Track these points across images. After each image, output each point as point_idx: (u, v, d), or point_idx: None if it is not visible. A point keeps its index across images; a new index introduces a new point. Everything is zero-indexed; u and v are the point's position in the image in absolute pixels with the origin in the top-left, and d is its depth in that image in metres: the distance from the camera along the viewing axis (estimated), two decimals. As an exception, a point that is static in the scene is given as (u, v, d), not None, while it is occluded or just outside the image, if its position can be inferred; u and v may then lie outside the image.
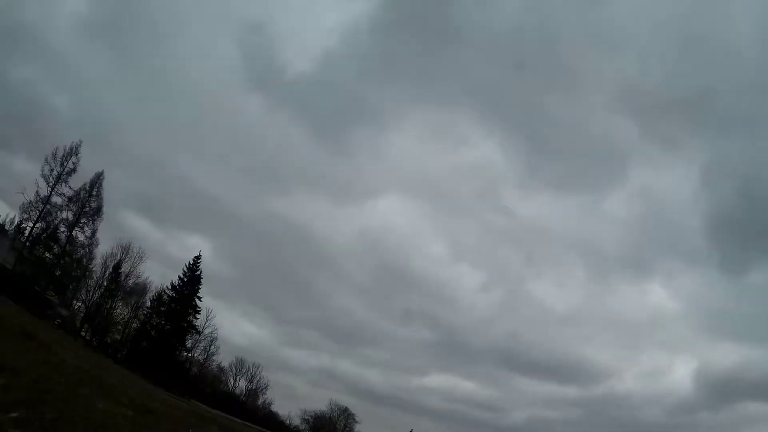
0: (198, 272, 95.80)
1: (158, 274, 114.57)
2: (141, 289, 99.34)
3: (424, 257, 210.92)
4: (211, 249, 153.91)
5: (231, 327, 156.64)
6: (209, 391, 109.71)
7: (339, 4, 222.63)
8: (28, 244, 76.67)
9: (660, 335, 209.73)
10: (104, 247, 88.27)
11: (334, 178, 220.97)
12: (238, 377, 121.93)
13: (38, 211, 73.80)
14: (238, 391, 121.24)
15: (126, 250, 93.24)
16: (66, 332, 67.43)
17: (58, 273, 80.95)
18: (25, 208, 73.96)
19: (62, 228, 78.10)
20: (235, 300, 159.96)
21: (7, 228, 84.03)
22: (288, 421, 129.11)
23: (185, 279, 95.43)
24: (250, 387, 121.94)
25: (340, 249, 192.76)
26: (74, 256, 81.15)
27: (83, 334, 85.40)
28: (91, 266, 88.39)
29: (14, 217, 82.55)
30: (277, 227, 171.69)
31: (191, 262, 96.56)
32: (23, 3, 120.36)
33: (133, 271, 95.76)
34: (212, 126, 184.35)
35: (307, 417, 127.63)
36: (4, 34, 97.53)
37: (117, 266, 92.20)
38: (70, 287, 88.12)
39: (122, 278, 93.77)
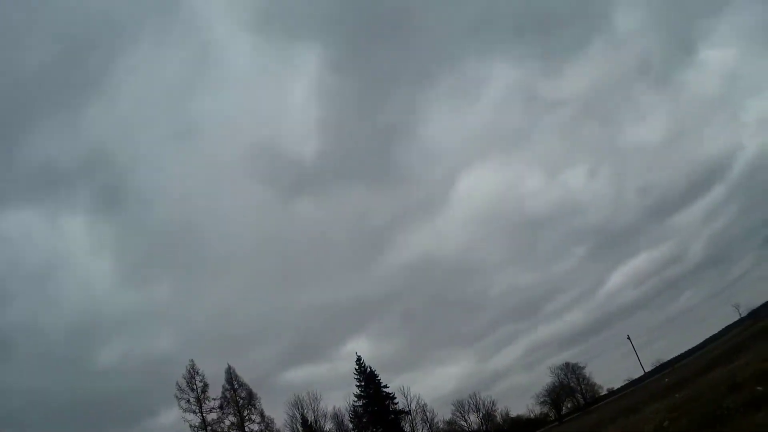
0: (368, 369, 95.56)
1: (339, 398, 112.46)
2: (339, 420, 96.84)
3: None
4: (367, 341, 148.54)
5: (434, 383, 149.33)
6: None
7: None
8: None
9: None
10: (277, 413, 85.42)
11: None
12: (468, 416, 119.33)
13: None
14: (476, 426, 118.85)
15: (298, 403, 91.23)
16: None
17: None
18: None
19: None
20: (420, 359, 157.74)
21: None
22: (532, 414, 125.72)
23: (362, 382, 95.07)
24: (482, 414, 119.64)
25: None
26: None
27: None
28: None
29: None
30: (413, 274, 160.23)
31: (356, 367, 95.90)
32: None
33: (319, 414, 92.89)
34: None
35: (541, 399, 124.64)
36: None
37: (304, 422, 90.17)
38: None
39: (317, 424, 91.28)
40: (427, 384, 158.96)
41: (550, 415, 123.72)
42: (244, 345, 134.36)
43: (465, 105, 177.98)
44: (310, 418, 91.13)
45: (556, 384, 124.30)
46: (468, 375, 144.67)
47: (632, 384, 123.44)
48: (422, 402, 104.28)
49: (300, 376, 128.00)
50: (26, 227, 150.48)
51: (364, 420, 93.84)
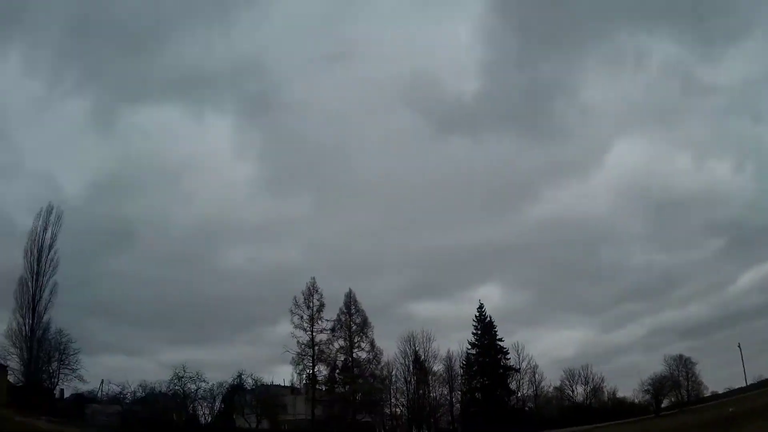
0: (487, 319, 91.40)
1: (454, 342, 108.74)
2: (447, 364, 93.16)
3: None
4: (492, 289, 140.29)
5: (549, 345, 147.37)
6: (556, 414, 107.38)
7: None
8: (323, 388, 77.97)
9: None
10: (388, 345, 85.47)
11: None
12: (575, 386, 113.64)
13: (310, 357, 74.08)
14: (581, 399, 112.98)
15: (411, 339, 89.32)
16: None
17: (358, 397, 78.17)
18: (298, 360, 74.20)
19: (342, 357, 77.47)
20: (541, 319, 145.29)
21: (298, 386, 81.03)
22: (636, 399, 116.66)
23: (479, 331, 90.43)
24: (590, 388, 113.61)
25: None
26: (367, 375, 78.35)
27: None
28: (387, 374, 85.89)
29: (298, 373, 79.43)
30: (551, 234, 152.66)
31: (476, 314, 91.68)
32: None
33: (429, 354, 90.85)
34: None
35: (646, 387, 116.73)
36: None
37: (416, 359, 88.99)
38: (381, 402, 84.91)
39: (426, 364, 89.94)
40: (542, 345, 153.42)
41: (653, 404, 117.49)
42: (370, 271, 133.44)
43: (623, 74, 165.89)
44: (422, 356, 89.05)
45: (665, 374, 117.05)
46: (585, 344, 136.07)
47: (733, 393, 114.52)
48: (533, 363, 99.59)
49: (420, 310, 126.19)
50: (169, 124, 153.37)
51: (474, 369, 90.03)
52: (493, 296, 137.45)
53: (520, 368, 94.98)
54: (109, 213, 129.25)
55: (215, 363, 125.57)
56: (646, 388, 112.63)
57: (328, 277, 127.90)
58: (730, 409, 57.73)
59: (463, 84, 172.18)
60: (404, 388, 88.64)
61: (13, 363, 67.00)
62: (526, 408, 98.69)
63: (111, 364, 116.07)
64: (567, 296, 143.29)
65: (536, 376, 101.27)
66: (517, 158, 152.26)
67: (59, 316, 70.55)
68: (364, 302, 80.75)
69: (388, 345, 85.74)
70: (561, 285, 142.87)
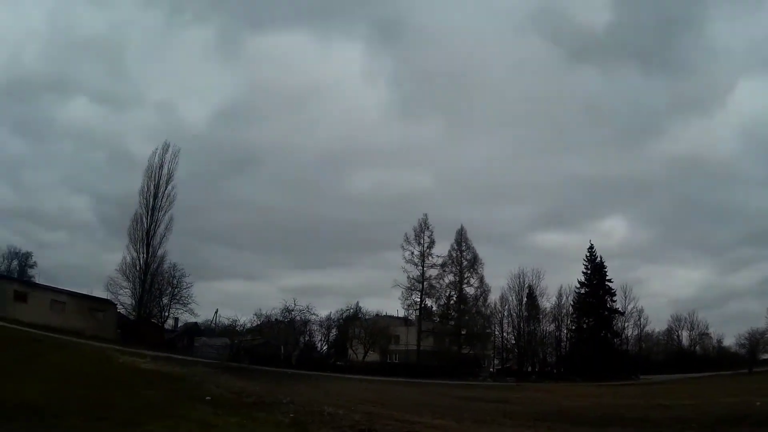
0: (597, 259, 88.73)
1: (568, 278, 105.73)
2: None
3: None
4: (621, 222, 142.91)
5: (664, 285, 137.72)
6: (661, 358, 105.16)
7: None
8: (435, 320, 76.96)
9: None
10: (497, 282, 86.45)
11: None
12: (680, 332, 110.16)
13: (418, 291, 73.18)
14: (686, 344, 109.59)
15: (522, 276, 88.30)
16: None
17: (463, 333, 75.98)
18: (407, 294, 73.93)
19: (449, 292, 76.12)
20: (659, 256, 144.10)
21: (410, 318, 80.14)
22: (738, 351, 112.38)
23: (589, 271, 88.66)
24: (695, 335, 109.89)
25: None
26: (474, 311, 76.36)
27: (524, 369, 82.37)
28: (495, 309, 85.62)
29: (405, 308, 79.48)
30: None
31: (587, 254, 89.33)
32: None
33: (538, 291, 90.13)
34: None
35: (742, 341, 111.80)
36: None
37: (530, 293, 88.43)
38: (487, 337, 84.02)
39: (537, 300, 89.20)
40: (657, 284, 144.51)
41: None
42: (496, 198, 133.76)
43: (750, 14, 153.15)
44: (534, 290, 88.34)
45: (764, 329, 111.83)
46: (699, 285, 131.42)
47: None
48: (639, 306, 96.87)
49: (541, 241, 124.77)
50: (296, 50, 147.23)
51: (581, 308, 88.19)
52: (614, 231, 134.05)
53: (625, 311, 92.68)
54: (232, 141, 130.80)
55: (336, 287, 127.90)
56: (742, 342, 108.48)
57: (455, 204, 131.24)
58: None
59: (595, 15, 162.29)
60: (514, 322, 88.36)
61: (125, 298, 68.64)
62: (630, 350, 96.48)
63: (230, 290, 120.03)
64: (686, 235, 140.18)
65: (642, 320, 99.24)
66: (644, 93, 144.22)
67: (175, 248, 71.65)
68: (487, 231, 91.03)
69: (498, 282, 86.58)
70: (681, 223, 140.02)
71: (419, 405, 21.75)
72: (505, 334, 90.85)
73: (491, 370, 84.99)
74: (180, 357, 41.69)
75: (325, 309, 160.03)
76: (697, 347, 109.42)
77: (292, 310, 67.24)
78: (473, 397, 30.24)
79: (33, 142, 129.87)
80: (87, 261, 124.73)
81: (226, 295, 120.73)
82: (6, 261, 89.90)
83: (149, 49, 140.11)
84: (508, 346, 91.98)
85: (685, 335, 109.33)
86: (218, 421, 11.00)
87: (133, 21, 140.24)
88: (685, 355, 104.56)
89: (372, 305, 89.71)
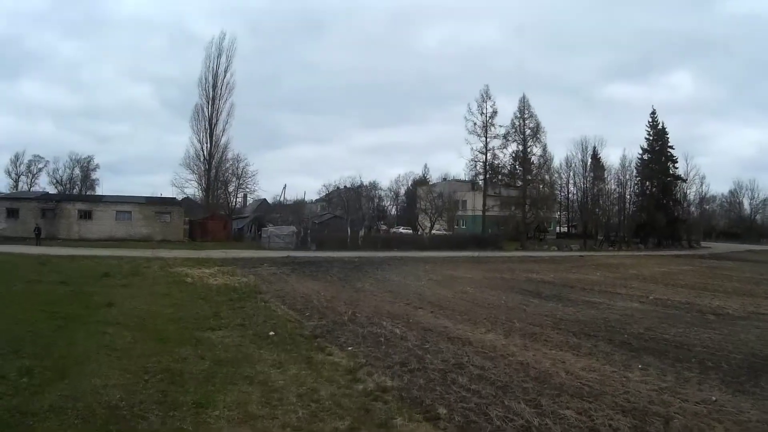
0: (659, 124, 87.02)
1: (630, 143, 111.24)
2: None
3: None
4: (689, 77, 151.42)
5: (726, 145, 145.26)
6: (722, 225, 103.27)
7: None
8: (500, 184, 77.04)
9: None
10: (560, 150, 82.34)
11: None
12: (742, 199, 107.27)
13: (482, 162, 74.77)
14: (746, 212, 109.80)
15: (584, 143, 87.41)
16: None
17: (528, 199, 75.99)
18: (471, 166, 76.43)
19: (510, 163, 76.51)
20: (726, 113, 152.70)
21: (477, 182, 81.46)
22: None
23: (652, 137, 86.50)
24: (756, 203, 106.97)
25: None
26: (538, 178, 76.86)
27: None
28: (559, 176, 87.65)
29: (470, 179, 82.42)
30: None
31: (649, 120, 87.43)
32: None
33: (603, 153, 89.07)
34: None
35: None
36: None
37: (595, 155, 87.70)
38: (554, 203, 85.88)
39: (602, 161, 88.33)
40: (719, 143, 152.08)
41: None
42: (567, 50, 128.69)
43: None
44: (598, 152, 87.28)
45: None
46: (762, 147, 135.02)
47: None
48: (701, 173, 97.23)
49: (611, 93, 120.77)
50: None
51: (642, 173, 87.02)
52: (680, 86, 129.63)
53: (686, 178, 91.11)
54: (298, 6, 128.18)
55: (406, 145, 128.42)
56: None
57: (522, 56, 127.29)
58: None
59: None
60: (579, 183, 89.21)
61: (192, 190, 69.96)
62: (691, 216, 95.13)
63: (302, 155, 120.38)
64: (756, 94, 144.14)
65: (703, 187, 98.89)
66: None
67: (243, 128, 71.69)
68: (554, 83, 73.82)
69: (559, 151, 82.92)
70: (750, 81, 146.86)
71: (476, 305, 21.11)
72: (570, 196, 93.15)
73: (556, 232, 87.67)
74: (247, 255, 41.37)
75: (395, 168, 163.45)
76: (758, 216, 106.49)
77: (359, 187, 66.96)
78: (534, 286, 28.40)
79: (88, 40, 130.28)
80: (152, 149, 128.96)
81: (297, 161, 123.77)
82: (68, 169, 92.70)
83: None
84: (573, 207, 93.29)
85: (746, 203, 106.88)
86: (280, 378, 10.41)
87: None
88: (744, 223, 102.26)
89: (440, 163, 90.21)
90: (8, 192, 74.14)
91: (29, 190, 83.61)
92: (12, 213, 54.84)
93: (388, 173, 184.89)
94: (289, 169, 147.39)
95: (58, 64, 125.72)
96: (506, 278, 32.25)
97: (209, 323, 15.39)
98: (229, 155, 68.47)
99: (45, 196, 61.31)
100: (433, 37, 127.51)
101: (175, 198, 64.34)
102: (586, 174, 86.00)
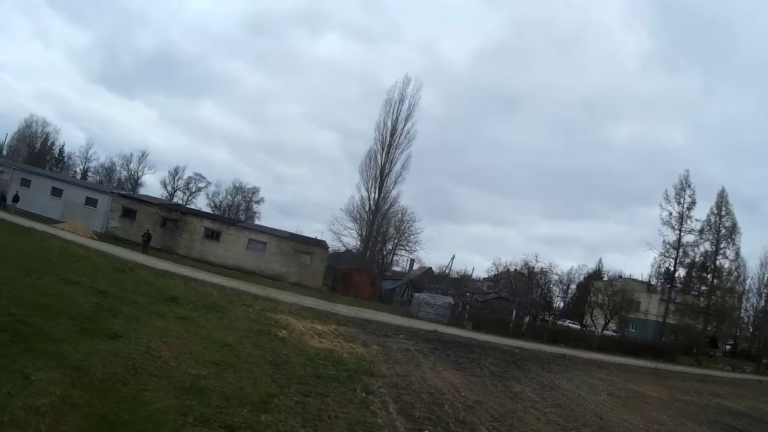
0: None
1: None
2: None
3: None
4: None
5: None
6: None
7: None
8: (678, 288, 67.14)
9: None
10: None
11: None
12: None
13: (672, 258, 64.26)
14: None
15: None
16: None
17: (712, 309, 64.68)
18: (661, 260, 65.57)
19: (702, 262, 65.68)
20: None
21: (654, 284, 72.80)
22: None
23: None
24: None
25: None
26: (725, 287, 65.38)
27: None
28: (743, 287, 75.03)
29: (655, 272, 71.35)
30: None
31: None
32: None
33: None
34: None
35: None
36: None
37: None
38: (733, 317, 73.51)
39: None
40: None
41: None
42: (754, 159, 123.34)
43: None
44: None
45: None
46: None
47: None
48: None
49: None
50: None
51: None
52: None
53: None
54: (493, 80, 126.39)
55: (580, 240, 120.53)
56: None
57: (708, 163, 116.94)
58: None
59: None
60: (753, 300, 77.36)
61: (348, 239, 64.70)
62: None
63: (475, 233, 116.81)
64: None
65: None
66: None
67: (415, 188, 67.40)
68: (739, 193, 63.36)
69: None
70: None
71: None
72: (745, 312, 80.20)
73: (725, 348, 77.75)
74: (384, 319, 33.10)
75: (567, 261, 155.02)
76: None
77: (532, 268, 59.38)
78: (735, 420, 21.82)
79: (276, 77, 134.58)
80: (324, 196, 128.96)
81: (469, 237, 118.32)
82: (230, 195, 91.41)
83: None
84: (742, 325, 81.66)
85: None
86: None
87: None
88: None
89: (613, 262, 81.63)
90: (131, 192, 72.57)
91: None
92: (128, 213, 51.78)
93: (560, 264, 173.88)
94: (459, 242, 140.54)
95: (242, 93, 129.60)
96: (698, 403, 24.81)
97: (240, 413, 8.63)
98: (397, 207, 62.65)
99: (170, 204, 58.23)
100: (620, 130, 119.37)
101: (321, 239, 58.46)
102: (762, 289, 75.45)
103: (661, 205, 63.31)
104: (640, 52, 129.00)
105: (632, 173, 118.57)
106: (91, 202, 51.39)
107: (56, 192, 51.28)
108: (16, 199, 45.22)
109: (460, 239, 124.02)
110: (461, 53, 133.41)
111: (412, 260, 72.02)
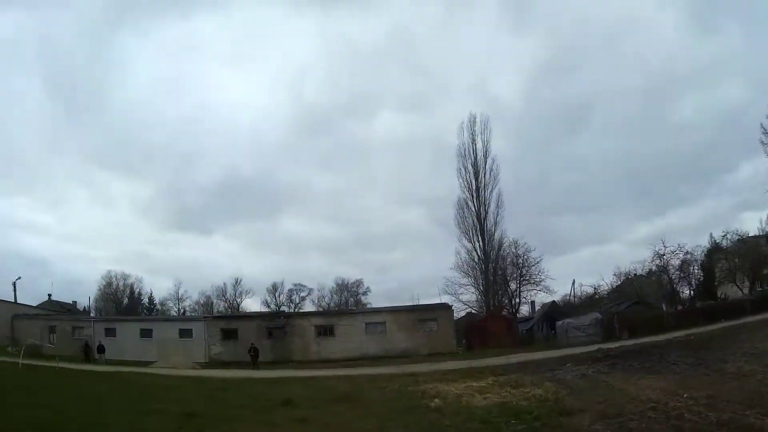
0: None
1: None
2: None
3: None
4: None
5: None
6: None
7: None
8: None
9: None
10: None
11: None
12: None
13: None
14: None
15: None
16: None
17: None
18: None
19: None
20: None
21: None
22: None
23: None
24: None
25: None
26: None
27: None
28: None
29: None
30: None
31: None
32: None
33: None
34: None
35: None
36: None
37: None
38: None
39: None
40: None
41: None
42: None
43: None
44: None
45: None
46: None
47: None
48: None
49: None
50: None
51: None
52: None
53: None
54: (550, 99, 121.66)
55: (684, 227, 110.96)
56: None
57: None
58: None
59: None
60: None
61: (468, 295, 60.89)
62: None
63: (581, 258, 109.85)
64: None
65: None
66: None
67: (511, 227, 63.77)
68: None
69: None
70: None
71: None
72: None
73: None
74: (539, 357, 29.02)
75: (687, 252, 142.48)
76: None
77: (662, 255, 52.77)
78: None
79: (344, 170, 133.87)
80: (425, 271, 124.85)
81: (576, 265, 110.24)
82: (335, 295, 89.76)
83: (439, 41, 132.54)
84: None
85: None
86: None
87: (410, 23, 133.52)
88: None
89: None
90: (225, 311, 70.37)
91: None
92: (229, 334, 49.63)
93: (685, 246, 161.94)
94: (569, 271, 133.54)
95: (317, 195, 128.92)
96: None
97: None
98: (506, 244, 58.96)
99: (271, 313, 56.93)
100: (686, 107, 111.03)
101: (442, 302, 54.57)
102: None
103: (761, 141, 51.42)
104: (678, 26, 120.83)
105: (707, 143, 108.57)
106: (185, 333, 50.10)
107: (146, 333, 50.39)
108: (101, 349, 43.81)
109: (568, 268, 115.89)
110: (511, 85, 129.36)
111: (533, 301, 67.01)
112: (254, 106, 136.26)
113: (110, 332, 49.68)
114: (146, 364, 38.73)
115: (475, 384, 17.90)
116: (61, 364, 30.54)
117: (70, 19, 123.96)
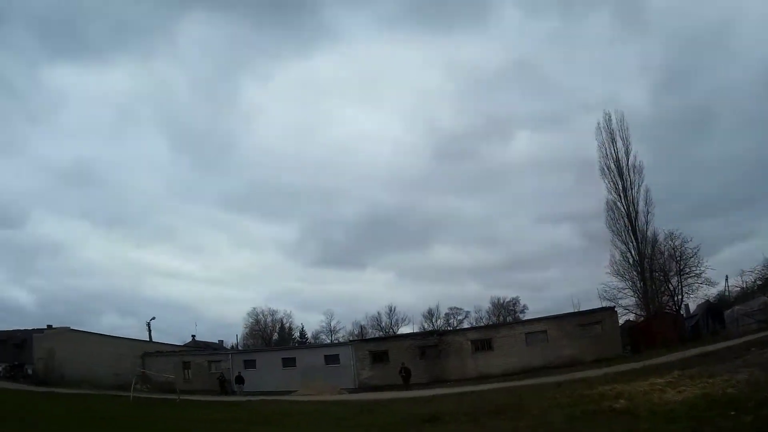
0: None
1: None
2: None
3: None
4: None
5: None
6: None
7: None
8: None
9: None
10: None
11: None
12: None
13: None
14: None
15: None
16: None
17: None
18: None
19: None
20: None
21: None
22: None
23: None
24: None
25: None
26: None
27: None
28: None
29: None
30: None
31: None
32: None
33: None
34: None
35: None
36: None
37: None
38: None
39: None
40: None
41: None
42: None
43: None
44: None
45: None
46: None
47: None
48: None
49: None
50: None
51: None
52: None
53: None
54: (677, 103, 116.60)
55: None
56: None
57: None
58: None
59: None
60: None
61: (627, 299, 57.64)
62: None
63: (730, 256, 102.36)
64: None
65: None
66: None
67: (662, 223, 60.37)
68: None
69: None
70: None
71: None
72: None
73: None
74: (716, 347, 26.02)
75: None
76: None
77: None
78: None
79: (488, 194, 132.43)
80: (581, 285, 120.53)
81: (725, 264, 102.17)
82: (492, 316, 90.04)
83: (559, 54, 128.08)
84: None
85: None
86: None
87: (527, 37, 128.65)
88: None
89: None
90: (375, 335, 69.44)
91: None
92: (378, 357, 48.66)
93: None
94: (719, 273, 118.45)
95: (466, 221, 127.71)
96: None
97: None
98: (661, 239, 54.84)
99: (423, 333, 55.94)
100: None
101: (604, 307, 51.37)
102: None
103: None
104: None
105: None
106: (331, 359, 49.57)
107: (288, 362, 50.33)
108: (239, 380, 44.06)
109: (719, 268, 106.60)
110: (640, 94, 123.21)
111: (687, 304, 61.98)
112: (389, 139, 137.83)
113: (249, 364, 50.36)
114: (288, 393, 38.32)
115: (660, 380, 15.55)
116: (189, 397, 30.74)
117: (184, 73, 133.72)
